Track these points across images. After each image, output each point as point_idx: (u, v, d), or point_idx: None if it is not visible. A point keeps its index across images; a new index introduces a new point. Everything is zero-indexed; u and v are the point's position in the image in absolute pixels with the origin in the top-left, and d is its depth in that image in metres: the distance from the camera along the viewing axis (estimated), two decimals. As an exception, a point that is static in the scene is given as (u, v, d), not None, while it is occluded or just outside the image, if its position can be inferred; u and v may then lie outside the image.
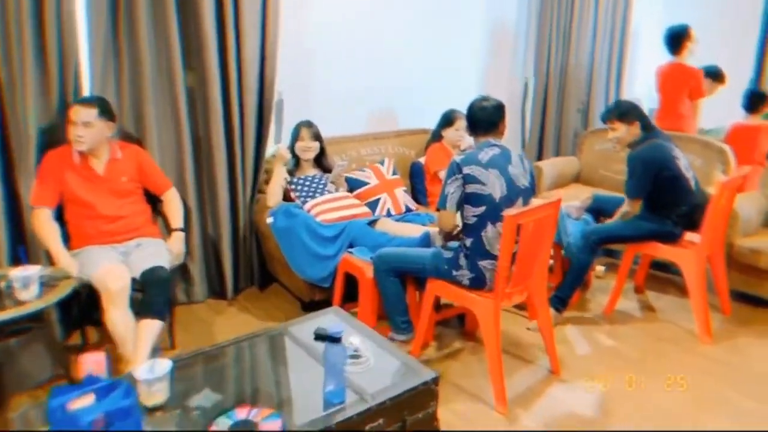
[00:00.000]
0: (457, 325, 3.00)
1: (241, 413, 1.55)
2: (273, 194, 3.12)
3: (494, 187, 2.35)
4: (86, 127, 2.38)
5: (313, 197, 3.10)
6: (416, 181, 3.78)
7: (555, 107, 5.03)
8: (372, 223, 3.00)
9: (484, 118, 2.49)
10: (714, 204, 2.84)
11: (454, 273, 2.42)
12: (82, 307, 2.53)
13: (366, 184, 3.43)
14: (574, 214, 3.27)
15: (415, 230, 2.89)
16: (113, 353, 2.26)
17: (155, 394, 1.58)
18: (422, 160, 3.77)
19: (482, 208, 2.36)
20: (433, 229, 2.69)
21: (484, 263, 2.38)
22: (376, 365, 1.80)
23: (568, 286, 3.03)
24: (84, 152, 2.45)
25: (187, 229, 2.86)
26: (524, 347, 2.84)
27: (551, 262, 3.34)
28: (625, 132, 3.06)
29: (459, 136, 3.61)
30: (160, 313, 2.34)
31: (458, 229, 2.49)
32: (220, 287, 3.29)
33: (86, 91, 2.73)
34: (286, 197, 3.19)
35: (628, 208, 3.00)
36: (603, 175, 4.33)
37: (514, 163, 2.45)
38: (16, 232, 2.61)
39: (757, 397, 2.48)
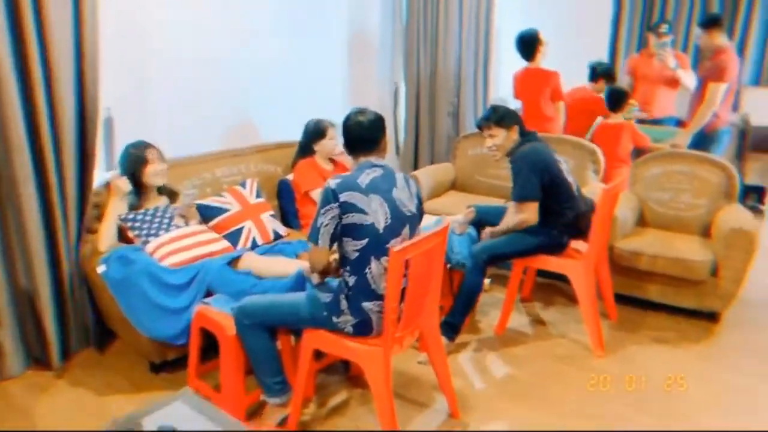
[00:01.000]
0: (342, 371, 2.62)
1: None
2: (105, 236, 2.52)
3: (377, 215, 2.01)
4: None
5: (156, 235, 2.54)
6: (285, 201, 3.34)
7: (427, 112, 4.84)
8: (233, 261, 2.52)
9: (363, 136, 2.14)
10: (599, 211, 2.73)
11: (335, 320, 2.04)
12: None
13: (225, 211, 2.93)
14: (457, 230, 3.03)
15: (286, 266, 2.46)
16: None
17: None
18: (290, 177, 3.34)
19: (364, 241, 2.00)
20: (306, 264, 2.28)
21: (369, 305, 2.02)
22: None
23: (459, 312, 2.78)
24: None
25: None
26: (418, 387, 2.53)
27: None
28: (504, 138, 2.88)
29: (334, 144, 3.24)
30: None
31: (334, 265, 2.11)
32: (43, 354, 2.62)
33: None
34: (125, 237, 2.61)
35: (524, 214, 2.77)
36: (479, 181, 4.18)
37: (399, 185, 2.12)
38: None
39: (654, 413, 2.39)
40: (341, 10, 4.22)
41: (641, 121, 4.77)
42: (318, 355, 2.44)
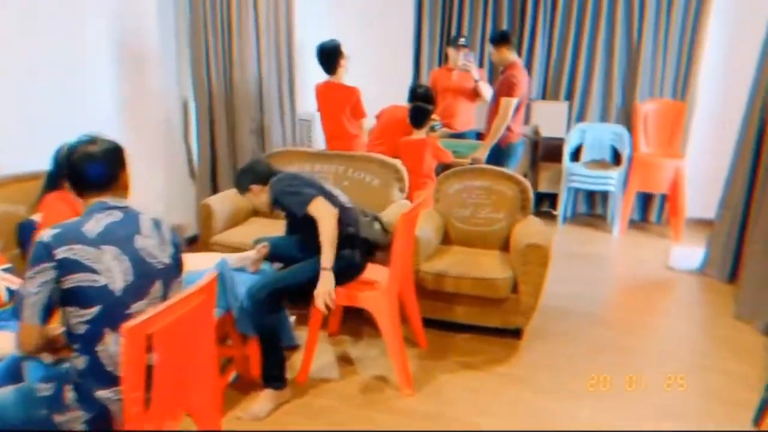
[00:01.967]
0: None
1: None
2: None
3: (112, 273, 1.56)
4: None
5: None
6: (29, 248, 2.67)
7: (225, 129, 4.39)
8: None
9: (94, 171, 1.67)
10: (398, 237, 2.54)
11: (58, 418, 1.53)
12: None
13: (-71, 269, 2.21)
14: (251, 268, 2.65)
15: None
16: None
17: None
18: (37, 217, 2.68)
19: (95, 309, 1.54)
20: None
21: (105, 393, 1.55)
22: None
23: (268, 361, 2.44)
24: None
25: None
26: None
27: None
28: (264, 196, 2.66)
29: None
30: None
31: (56, 342, 1.61)
32: None
33: None
34: None
35: (324, 215, 2.47)
36: (284, 205, 3.84)
37: (145, 231, 1.69)
38: None
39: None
40: (109, 27, 3.57)
41: (451, 136, 4.84)
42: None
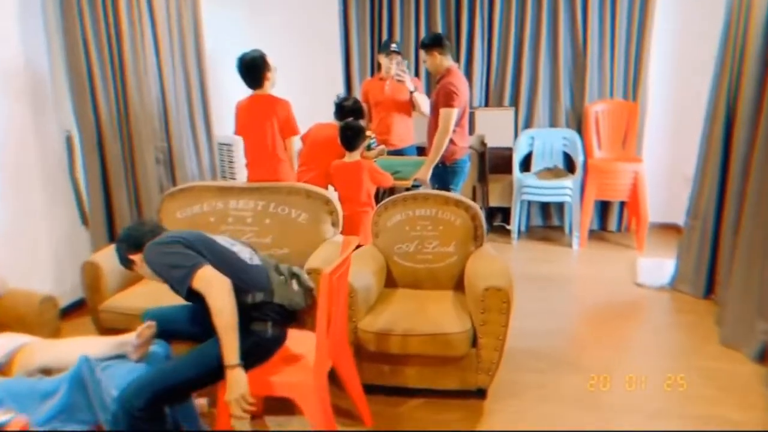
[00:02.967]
0: None
1: None
2: None
3: None
4: None
5: None
6: None
7: (122, 163, 3.72)
8: None
9: None
10: (322, 300, 1.97)
11: None
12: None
13: None
14: (133, 357, 2.03)
15: None
16: None
17: None
18: None
19: None
20: None
21: None
22: None
23: None
24: None
25: None
26: None
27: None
28: (146, 268, 2.07)
29: None
30: None
31: None
32: None
33: None
34: None
35: (211, 285, 1.89)
36: (195, 252, 3.21)
37: None
38: None
39: None
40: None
41: (389, 153, 4.32)
42: None
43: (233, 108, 4.09)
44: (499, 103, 4.87)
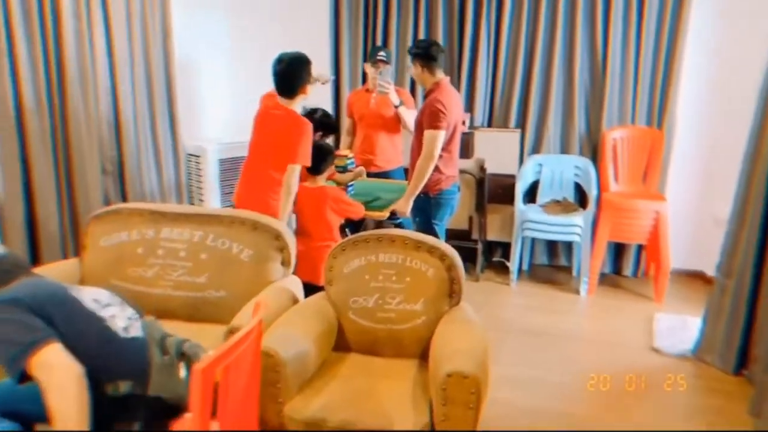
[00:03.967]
0: None
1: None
2: None
3: None
4: None
5: None
6: None
7: (54, 171, 3.21)
8: None
9: None
10: (194, 405, 1.39)
11: None
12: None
13: None
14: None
15: None
16: None
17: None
18: None
19: None
20: None
21: None
22: None
23: None
24: None
25: None
26: None
27: None
28: None
29: None
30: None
31: None
32: None
33: None
34: None
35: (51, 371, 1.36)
36: (115, 287, 2.66)
37: None
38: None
39: None
40: None
41: (372, 175, 3.77)
42: None
43: (208, 115, 3.57)
44: (504, 124, 4.29)
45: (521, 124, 4.26)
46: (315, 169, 2.90)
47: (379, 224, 3.30)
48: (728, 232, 2.96)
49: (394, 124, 3.74)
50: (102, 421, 1.39)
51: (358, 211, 2.99)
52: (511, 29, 4.16)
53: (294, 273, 2.99)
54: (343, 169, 3.43)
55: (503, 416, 2.53)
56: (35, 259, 3.13)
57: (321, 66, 4.50)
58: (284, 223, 2.77)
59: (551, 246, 4.37)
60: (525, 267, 4.39)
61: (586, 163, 4.12)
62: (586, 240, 3.91)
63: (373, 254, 2.35)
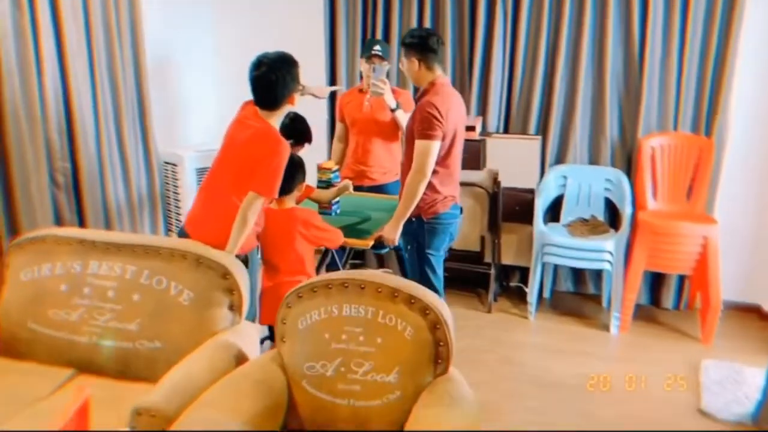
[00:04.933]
0: None
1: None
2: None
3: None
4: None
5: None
6: None
7: (1, 193, 2.79)
8: None
9: None
10: None
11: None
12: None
13: None
14: None
15: None
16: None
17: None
18: None
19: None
20: None
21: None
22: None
23: None
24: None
25: None
26: None
27: None
28: None
29: None
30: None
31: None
32: None
33: None
34: None
35: None
36: (33, 333, 2.18)
37: None
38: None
39: None
40: None
41: (363, 189, 3.24)
42: None
43: (190, 120, 3.04)
44: (523, 130, 3.70)
45: (542, 130, 3.66)
46: (284, 187, 2.37)
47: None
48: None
49: (392, 130, 3.20)
50: None
51: (335, 239, 2.45)
52: (530, 19, 3.56)
53: (259, 314, 2.50)
54: (327, 185, 2.91)
55: None
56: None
57: (314, 66, 3.99)
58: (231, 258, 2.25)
59: (577, 270, 3.76)
60: (546, 294, 3.80)
61: (618, 175, 3.50)
62: (618, 267, 3.30)
63: (336, 305, 1.81)
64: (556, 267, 3.73)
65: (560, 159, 3.68)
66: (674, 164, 3.41)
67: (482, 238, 3.70)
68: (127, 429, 1.60)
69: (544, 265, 3.52)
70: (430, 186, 2.43)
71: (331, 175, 2.89)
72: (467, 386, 1.74)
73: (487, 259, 3.71)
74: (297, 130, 2.60)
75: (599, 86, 3.50)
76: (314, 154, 3.41)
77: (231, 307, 2.11)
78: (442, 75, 2.50)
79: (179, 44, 3.93)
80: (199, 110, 4.17)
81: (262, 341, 2.52)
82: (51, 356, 2.14)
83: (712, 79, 3.31)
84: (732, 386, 2.74)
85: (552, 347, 3.19)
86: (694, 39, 3.30)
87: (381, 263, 4.00)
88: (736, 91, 3.29)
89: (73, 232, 2.33)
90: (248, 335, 2.13)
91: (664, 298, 3.61)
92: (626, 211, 3.37)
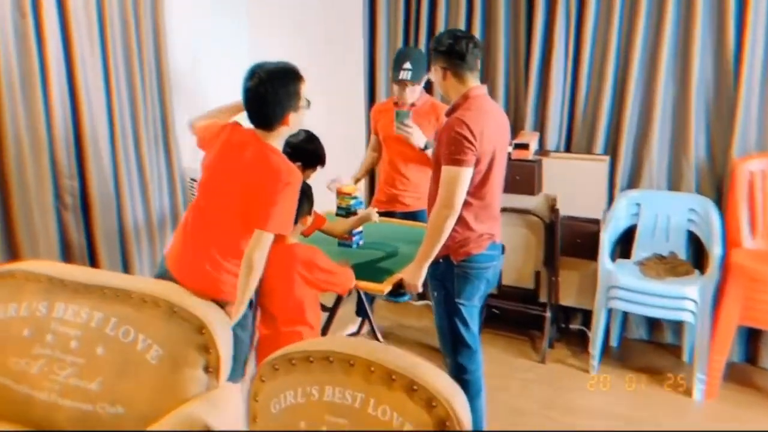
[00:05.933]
0: None
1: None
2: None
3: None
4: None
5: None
6: None
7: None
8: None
9: None
10: None
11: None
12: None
13: None
14: None
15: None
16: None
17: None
18: None
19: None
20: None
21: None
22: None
23: None
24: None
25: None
26: None
27: None
28: None
29: None
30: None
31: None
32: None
33: None
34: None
35: None
36: (-10, 385, 1.90)
37: None
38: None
39: None
40: None
41: (391, 215, 2.84)
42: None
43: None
44: (588, 149, 3.16)
45: (612, 149, 3.11)
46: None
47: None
48: None
49: (424, 155, 2.75)
50: None
51: (343, 282, 2.04)
52: (598, 16, 3.03)
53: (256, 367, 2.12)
54: (346, 212, 2.50)
55: None
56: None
57: (352, 71, 3.61)
58: (239, 312, 1.89)
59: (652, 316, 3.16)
60: (613, 342, 3.22)
61: (705, 204, 2.89)
62: (703, 319, 2.69)
63: (317, 385, 1.39)
64: (624, 313, 3.15)
65: (632, 183, 3.11)
66: (779, 193, 2.77)
67: (537, 274, 3.18)
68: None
69: (610, 311, 2.95)
70: (462, 222, 1.97)
71: (352, 202, 2.49)
72: None
73: (543, 298, 3.19)
74: (307, 152, 2.21)
75: (683, 97, 2.91)
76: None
77: (207, 369, 1.74)
78: (478, 87, 2.03)
79: (209, 48, 3.66)
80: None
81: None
82: (6, 413, 1.85)
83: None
84: None
85: (618, 414, 2.63)
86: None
87: (361, 312, 3.07)
88: None
89: (45, 267, 2.03)
90: (227, 403, 1.75)
91: (762, 355, 2.95)
92: (715, 250, 2.75)
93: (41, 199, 2.74)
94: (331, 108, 3.44)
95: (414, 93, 2.66)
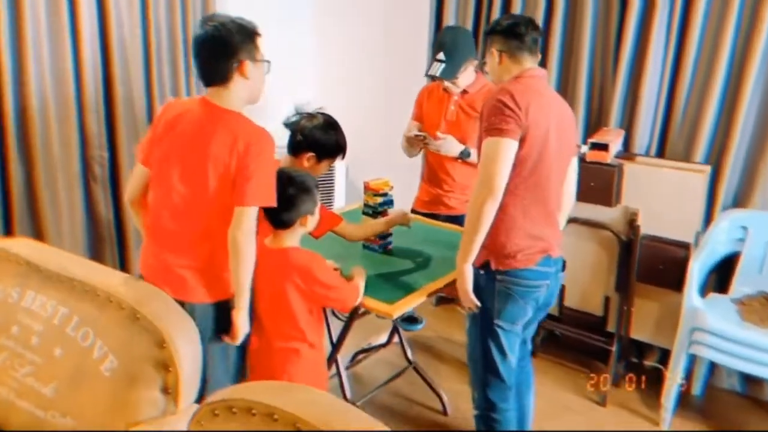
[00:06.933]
0: None
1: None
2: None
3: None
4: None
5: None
6: None
7: (25, 187, 2.53)
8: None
9: None
10: None
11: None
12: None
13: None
14: None
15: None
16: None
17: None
18: None
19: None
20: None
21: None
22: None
23: None
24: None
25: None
26: None
27: None
28: None
29: None
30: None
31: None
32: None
33: None
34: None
35: None
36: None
37: None
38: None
39: None
40: None
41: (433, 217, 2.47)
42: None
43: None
44: (685, 156, 2.59)
45: (716, 158, 2.53)
46: (278, 218, 1.67)
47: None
48: None
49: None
50: None
51: (344, 300, 1.70)
52: (709, 9, 2.43)
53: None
54: (374, 211, 2.14)
55: None
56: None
57: (418, 66, 3.24)
58: (243, 312, 1.61)
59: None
60: (696, 390, 2.67)
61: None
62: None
63: (254, 446, 1.07)
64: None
65: (739, 200, 2.53)
66: None
67: (606, 300, 2.69)
68: None
69: (689, 357, 2.41)
70: (506, 213, 1.58)
71: (380, 200, 2.12)
72: None
73: (611, 328, 2.70)
74: (320, 141, 1.86)
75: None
76: (404, 172, 2.68)
77: (164, 389, 1.47)
78: (536, 68, 1.62)
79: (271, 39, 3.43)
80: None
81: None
82: (-33, 406, 1.69)
83: None
84: None
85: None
86: None
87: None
88: None
89: (27, 248, 1.85)
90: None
91: None
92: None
93: (67, 173, 2.61)
94: (392, 92, 3.10)
95: (462, 80, 2.25)
